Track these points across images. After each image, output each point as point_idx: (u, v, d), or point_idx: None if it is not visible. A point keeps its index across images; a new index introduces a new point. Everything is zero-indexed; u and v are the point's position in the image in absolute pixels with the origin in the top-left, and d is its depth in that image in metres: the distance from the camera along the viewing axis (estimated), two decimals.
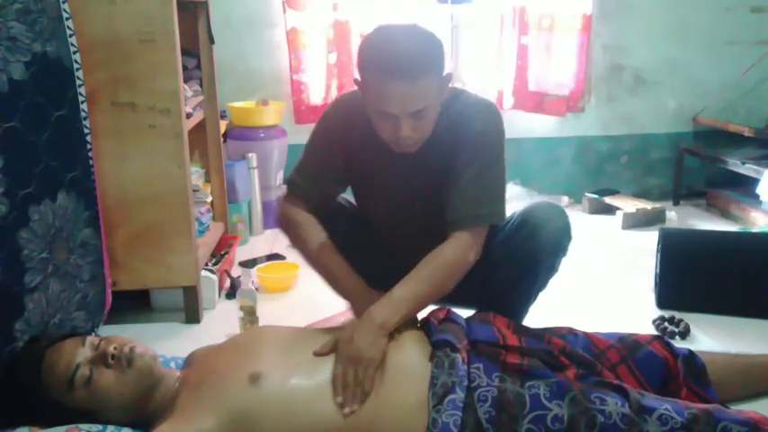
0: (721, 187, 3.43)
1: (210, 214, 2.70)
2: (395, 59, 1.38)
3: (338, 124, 1.63)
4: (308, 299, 2.40)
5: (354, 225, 1.72)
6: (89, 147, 1.79)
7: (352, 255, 1.65)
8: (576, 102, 3.44)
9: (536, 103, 3.42)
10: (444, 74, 1.47)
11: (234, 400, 1.28)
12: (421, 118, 1.44)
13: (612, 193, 3.44)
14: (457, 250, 1.52)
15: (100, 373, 1.31)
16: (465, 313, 1.59)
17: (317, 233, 1.64)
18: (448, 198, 1.55)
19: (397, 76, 1.38)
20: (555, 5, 3.34)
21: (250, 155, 3.07)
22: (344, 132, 1.61)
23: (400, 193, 1.64)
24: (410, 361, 1.40)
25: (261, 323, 2.07)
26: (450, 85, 1.51)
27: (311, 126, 3.53)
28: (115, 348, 1.34)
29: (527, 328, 1.55)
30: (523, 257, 1.60)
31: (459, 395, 1.30)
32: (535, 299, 1.77)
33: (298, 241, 1.68)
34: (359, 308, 1.53)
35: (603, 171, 3.58)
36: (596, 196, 3.38)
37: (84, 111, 1.76)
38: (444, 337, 1.41)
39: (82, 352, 1.33)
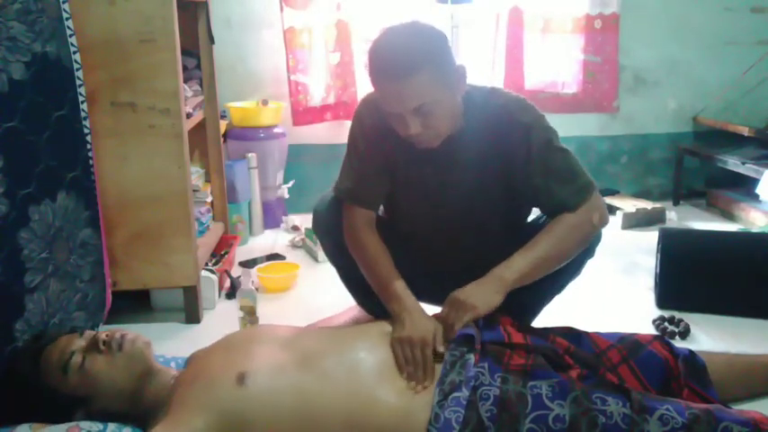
0: (721, 187, 3.43)
1: (210, 214, 2.69)
2: (386, 60, 1.41)
3: (372, 122, 1.62)
4: (308, 299, 2.40)
5: (385, 238, 1.71)
6: (89, 147, 1.79)
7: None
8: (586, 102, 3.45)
9: (535, 101, 3.42)
10: (454, 68, 1.47)
11: (222, 400, 1.29)
12: (427, 114, 1.44)
13: (612, 193, 3.44)
14: (579, 214, 1.54)
15: (93, 358, 1.36)
16: None
17: (385, 264, 1.63)
18: (537, 192, 1.56)
19: (389, 75, 1.41)
20: (555, 6, 3.35)
21: (250, 155, 3.07)
22: (377, 128, 1.61)
23: (435, 188, 1.64)
24: None
25: (261, 323, 2.06)
26: (467, 80, 1.52)
27: (311, 127, 3.53)
28: (107, 335, 1.38)
29: (531, 328, 1.55)
30: None
31: (464, 393, 1.31)
32: (551, 300, 1.78)
33: (365, 265, 1.67)
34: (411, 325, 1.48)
35: (603, 171, 3.59)
36: None
37: (84, 111, 1.76)
38: (470, 332, 1.42)
39: (77, 342, 1.39)
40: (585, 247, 1.62)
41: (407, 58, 1.39)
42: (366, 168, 1.66)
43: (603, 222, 1.59)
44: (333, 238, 1.76)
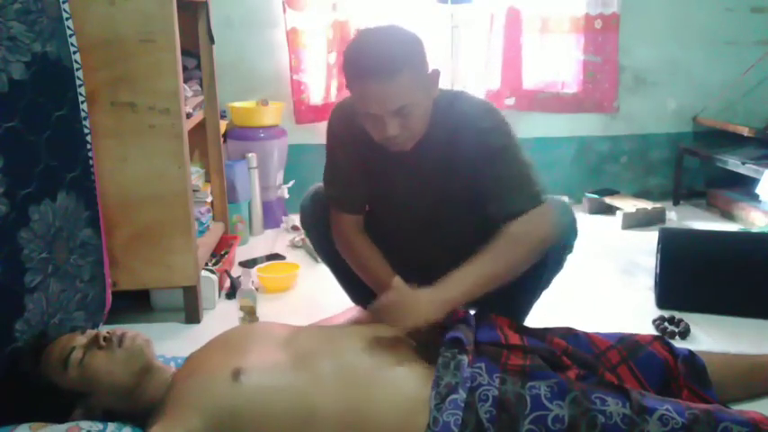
0: (721, 187, 3.43)
1: (210, 214, 2.70)
2: (366, 61, 1.42)
3: (342, 129, 1.65)
4: (308, 299, 2.41)
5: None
6: (89, 147, 1.79)
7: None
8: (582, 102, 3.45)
9: (534, 101, 3.43)
10: (429, 71, 1.49)
11: (217, 396, 1.29)
12: (405, 115, 1.45)
13: (612, 193, 3.44)
14: (522, 225, 1.50)
15: (92, 354, 1.37)
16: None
17: (377, 262, 1.68)
18: (488, 199, 1.55)
19: (370, 76, 1.41)
20: (554, 6, 3.35)
21: (250, 155, 3.07)
22: (350, 135, 1.63)
23: (403, 191, 1.66)
24: (415, 359, 1.41)
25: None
26: (441, 85, 1.54)
27: (312, 126, 3.55)
28: (108, 332, 1.40)
29: (528, 329, 1.55)
30: None
31: (461, 395, 1.30)
32: (538, 297, 1.78)
33: (358, 267, 1.73)
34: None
35: (603, 171, 3.58)
36: (596, 196, 3.38)
37: (84, 111, 1.76)
38: (457, 335, 1.41)
39: (79, 339, 1.40)
40: (538, 259, 1.55)
41: (390, 58, 1.41)
42: (346, 176, 1.69)
43: (553, 236, 1.53)
44: (319, 231, 1.81)
